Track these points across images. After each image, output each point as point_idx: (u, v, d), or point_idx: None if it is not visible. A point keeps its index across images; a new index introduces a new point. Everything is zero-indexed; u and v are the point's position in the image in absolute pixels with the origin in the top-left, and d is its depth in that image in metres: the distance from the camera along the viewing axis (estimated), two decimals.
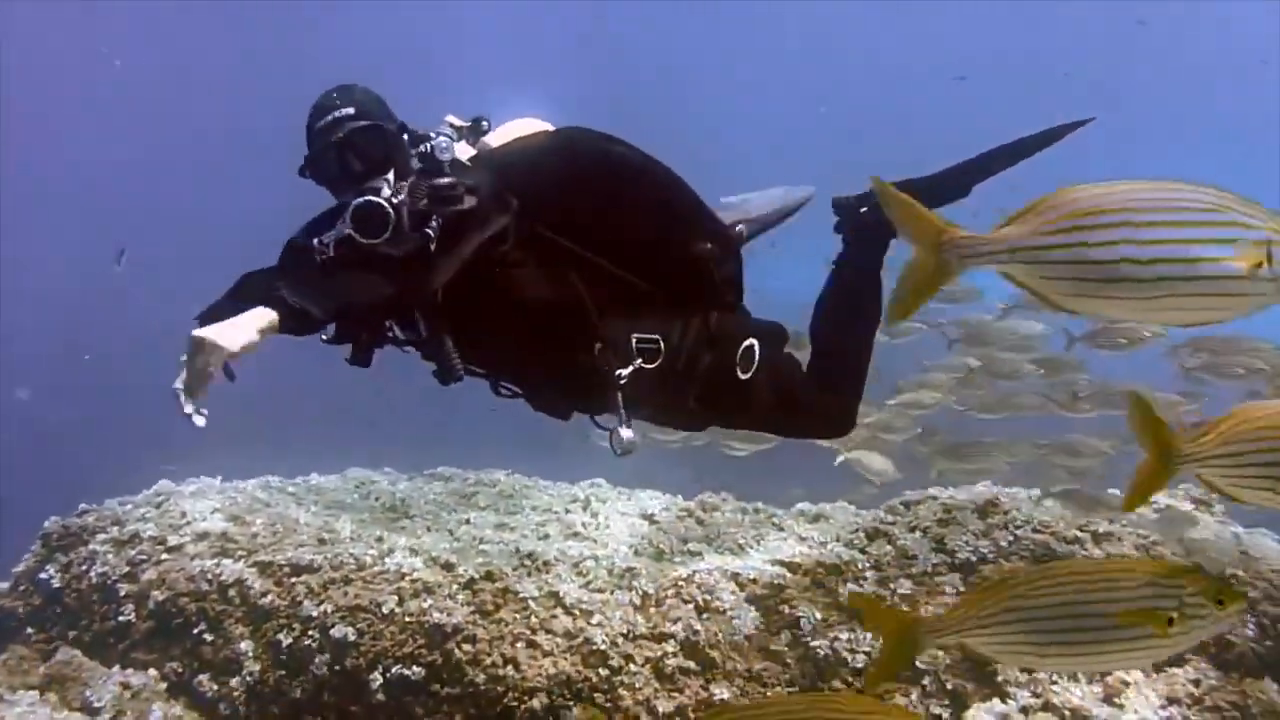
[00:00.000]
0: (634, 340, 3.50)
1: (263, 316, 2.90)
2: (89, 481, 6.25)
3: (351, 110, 3.29)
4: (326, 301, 3.06)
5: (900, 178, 4.17)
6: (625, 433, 3.53)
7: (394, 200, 3.20)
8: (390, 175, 3.27)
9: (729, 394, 3.73)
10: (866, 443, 6.99)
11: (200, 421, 2.92)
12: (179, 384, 2.91)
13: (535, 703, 4.44)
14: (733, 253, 3.74)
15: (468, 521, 5.98)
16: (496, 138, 3.59)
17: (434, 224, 3.17)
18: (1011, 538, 4.97)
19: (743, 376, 3.69)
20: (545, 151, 3.54)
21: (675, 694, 4.49)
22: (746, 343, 3.68)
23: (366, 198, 3.19)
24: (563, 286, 3.43)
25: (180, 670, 4.74)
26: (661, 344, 3.54)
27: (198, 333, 2.91)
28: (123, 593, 5.02)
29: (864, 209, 4.05)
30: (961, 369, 7.14)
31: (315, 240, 3.24)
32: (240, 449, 6.72)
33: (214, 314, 3.38)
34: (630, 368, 3.47)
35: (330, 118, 3.28)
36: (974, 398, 7.03)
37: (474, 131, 3.53)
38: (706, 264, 3.61)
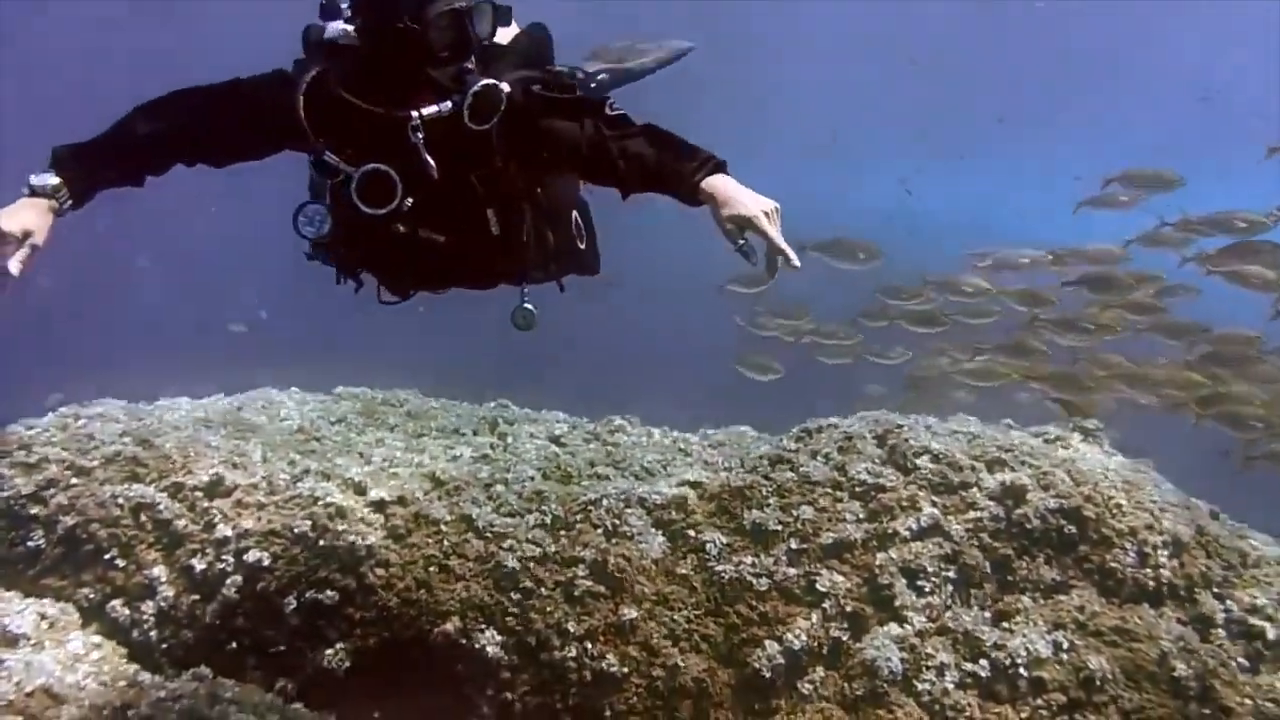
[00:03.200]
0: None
1: None
2: None
3: None
4: None
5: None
6: (529, 306, 3.85)
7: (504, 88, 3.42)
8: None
9: (575, 263, 4.19)
10: None
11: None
12: None
13: (449, 626, 4.55)
14: None
15: (378, 443, 6.02)
16: None
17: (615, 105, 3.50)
18: (911, 465, 5.16)
19: (581, 247, 4.15)
20: (546, 50, 3.89)
21: (585, 617, 4.62)
22: (573, 216, 4.02)
23: (490, 82, 3.37)
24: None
25: (92, 596, 4.73)
26: (528, 221, 3.81)
27: None
28: (31, 518, 4.96)
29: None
30: None
31: (415, 112, 3.34)
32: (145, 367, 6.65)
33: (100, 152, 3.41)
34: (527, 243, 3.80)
35: None
36: None
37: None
38: None
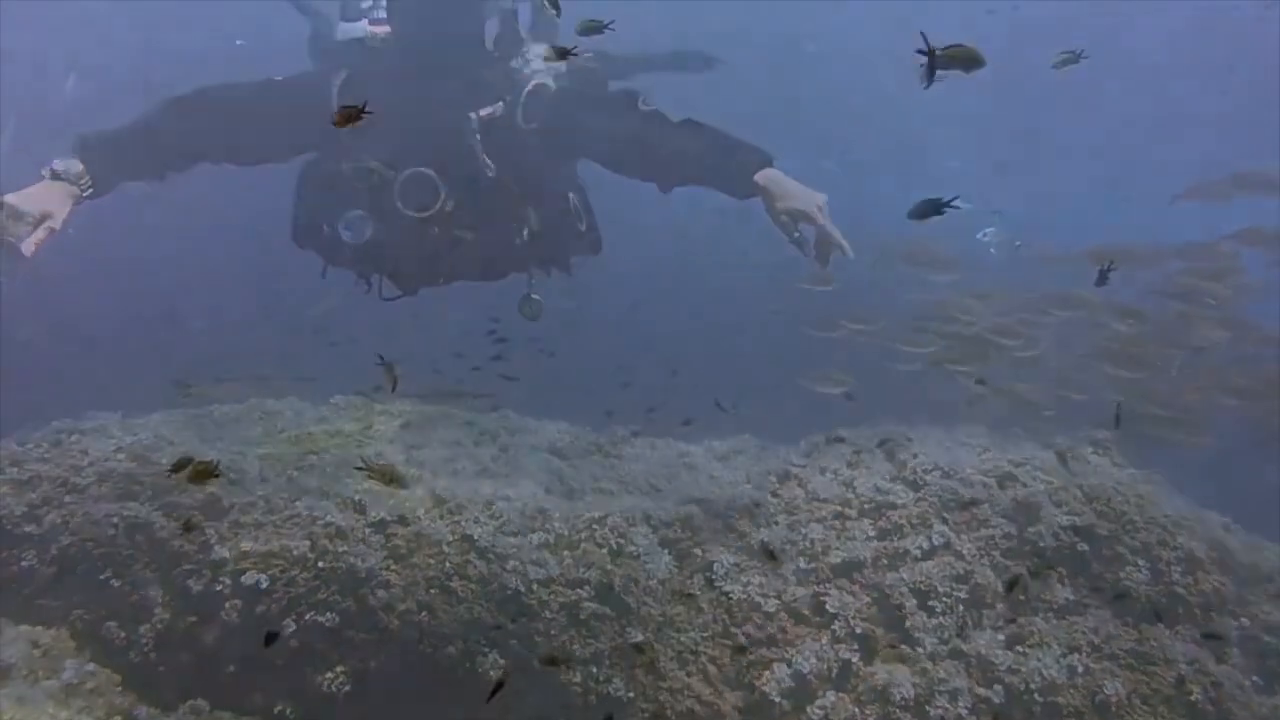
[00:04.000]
0: None
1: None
2: None
3: None
4: None
5: None
6: (536, 296, 3.85)
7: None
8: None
9: (578, 246, 4.21)
10: None
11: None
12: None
13: (451, 649, 4.47)
14: None
15: (377, 457, 5.91)
16: None
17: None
18: (921, 481, 5.08)
19: (581, 229, 4.11)
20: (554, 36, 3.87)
21: (591, 639, 4.54)
22: (570, 197, 4.01)
23: (541, 81, 3.49)
24: None
25: (87, 618, 4.63)
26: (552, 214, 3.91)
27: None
28: (24, 538, 4.85)
29: None
30: None
31: (473, 114, 3.41)
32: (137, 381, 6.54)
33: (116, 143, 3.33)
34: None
35: None
36: None
37: None
38: None
